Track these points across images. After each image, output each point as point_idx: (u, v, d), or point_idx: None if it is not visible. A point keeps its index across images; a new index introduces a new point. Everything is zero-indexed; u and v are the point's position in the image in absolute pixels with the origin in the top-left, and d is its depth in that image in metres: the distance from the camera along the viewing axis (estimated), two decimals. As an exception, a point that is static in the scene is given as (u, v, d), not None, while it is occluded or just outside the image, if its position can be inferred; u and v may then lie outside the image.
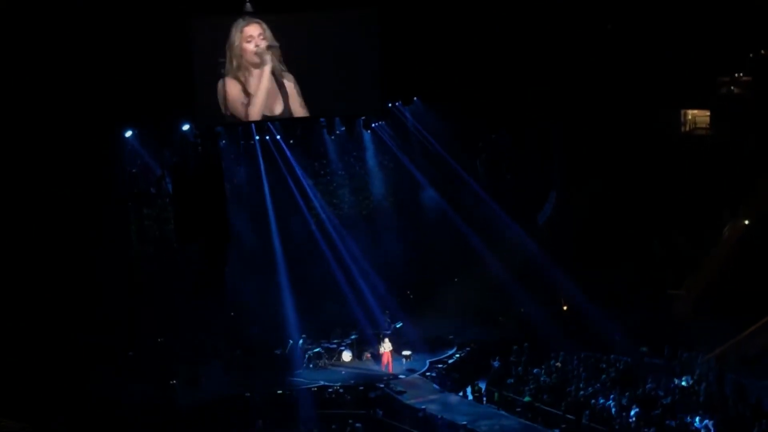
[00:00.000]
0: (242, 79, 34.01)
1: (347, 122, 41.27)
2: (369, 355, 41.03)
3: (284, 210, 42.80)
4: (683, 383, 34.75)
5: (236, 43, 33.69)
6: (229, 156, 40.50)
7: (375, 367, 39.82)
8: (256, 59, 33.94)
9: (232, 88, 33.96)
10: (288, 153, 42.34)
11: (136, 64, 32.53)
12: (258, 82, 34.27)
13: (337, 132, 42.37)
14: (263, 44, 33.81)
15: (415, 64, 37.78)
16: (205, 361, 38.97)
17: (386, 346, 39.60)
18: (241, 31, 33.65)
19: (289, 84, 34.49)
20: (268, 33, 33.87)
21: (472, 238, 44.47)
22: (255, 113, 34.50)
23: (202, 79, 33.75)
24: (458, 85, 40.11)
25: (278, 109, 34.76)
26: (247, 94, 34.15)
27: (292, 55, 34.53)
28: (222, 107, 33.89)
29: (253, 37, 33.79)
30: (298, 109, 34.85)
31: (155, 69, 32.71)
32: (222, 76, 33.63)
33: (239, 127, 38.55)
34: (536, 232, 44.09)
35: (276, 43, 33.90)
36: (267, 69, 34.08)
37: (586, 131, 42.72)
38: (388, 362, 39.41)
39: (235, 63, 33.82)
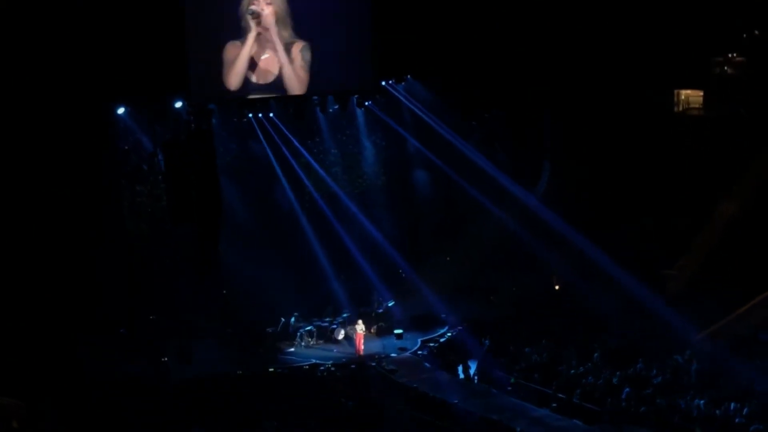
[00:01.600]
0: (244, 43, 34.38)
1: (340, 100, 41.15)
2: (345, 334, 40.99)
3: (278, 188, 42.75)
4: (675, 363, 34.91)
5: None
6: (222, 133, 40.38)
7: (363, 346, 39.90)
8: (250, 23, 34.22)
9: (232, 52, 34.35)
10: (282, 130, 42.27)
11: (129, 40, 32.42)
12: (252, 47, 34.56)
13: (330, 110, 42.30)
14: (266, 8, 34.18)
15: (407, 41, 37.71)
16: (197, 339, 38.96)
17: (359, 328, 39.59)
18: None
19: (285, 58, 34.66)
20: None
21: (464, 217, 44.51)
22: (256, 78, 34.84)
23: (196, 55, 33.70)
24: (451, 64, 40.07)
25: (271, 77, 34.99)
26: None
27: (284, 33, 34.57)
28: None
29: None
30: (294, 85, 35.11)
31: (148, 46, 32.61)
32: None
33: (232, 104, 38.46)
34: (529, 211, 44.02)
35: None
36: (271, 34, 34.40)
37: (579, 112, 42.69)
38: (359, 344, 39.38)
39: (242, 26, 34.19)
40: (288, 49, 35.22)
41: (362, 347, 39.21)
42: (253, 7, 34.20)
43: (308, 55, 35.50)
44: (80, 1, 31.76)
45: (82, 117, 34.15)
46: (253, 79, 35.19)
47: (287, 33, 35.09)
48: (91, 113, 34.62)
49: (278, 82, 35.54)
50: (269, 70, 35.29)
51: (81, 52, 32.36)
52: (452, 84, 41.88)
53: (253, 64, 34.99)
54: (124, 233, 38.69)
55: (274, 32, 34.86)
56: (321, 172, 43.91)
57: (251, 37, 34.54)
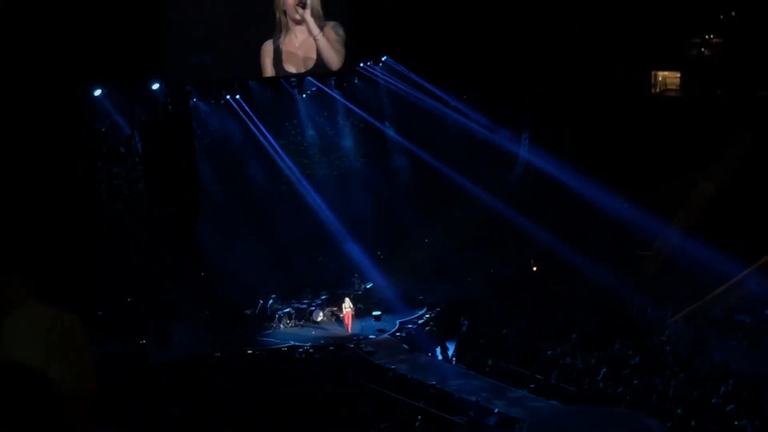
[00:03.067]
0: (282, 35, 34.26)
1: (318, 82, 41.20)
2: (324, 315, 41.05)
3: (256, 170, 42.70)
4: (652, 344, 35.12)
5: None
6: (199, 115, 40.29)
7: (339, 328, 39.98)
8: (296, 15, 34.12)
9: (269, 47, 34.34)
10: (260, 111, 42.24)
11: (107, 21, 32.22)
12: (296, 36, 34.50)
13: (308, 92, 42.31)
14: None
15: (384, 22, 37.67)
16: (175, 321, 38.94)
17: (347, 306, 39.67)
18: None
19: (322, 38, 34.72)
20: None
21: (442, 198, 44.54)
22: (290, 68, 34.90)
23: (174, 38, 33.58)
24: (429, 45, 40.00)
25: (310, 63, 35.05)
26: (280, 50, 34.44)
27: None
28: (267, 67, 34.26)
29: None
30: (333, 61, 35.21)
31: (126, 27, 32.43)
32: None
33: (210, 85, 38.44)
34: (507, 192, 44.06)
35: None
36: (307, 22, 34.43)
37: (557, 93, 42.73)
38: (348, 323, 39.49)
39: (279, 19, 34.13)
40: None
41: (350, 325, 39.34)
42: None
43: (341, 31, 35.73)
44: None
45: (58, 98, 33.95)
46: (289, 67, 35.35)
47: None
48: (67, 94, 34.43)
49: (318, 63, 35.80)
50: (308, 55, 35.48)
51: (57, 32, 32.13)
52: (430, 65, 41.85)
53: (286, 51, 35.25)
54: (102, 216, 38.56)
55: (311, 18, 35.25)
56: (299, 154, 43.90)
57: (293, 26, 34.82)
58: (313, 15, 35.28)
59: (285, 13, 34.91)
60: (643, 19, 41.21)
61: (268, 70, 35.27)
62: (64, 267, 34.66)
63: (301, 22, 35.18)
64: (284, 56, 35.13)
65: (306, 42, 35.41)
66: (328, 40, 35.62)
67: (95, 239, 37.14)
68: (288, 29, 35.04)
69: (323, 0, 35.27)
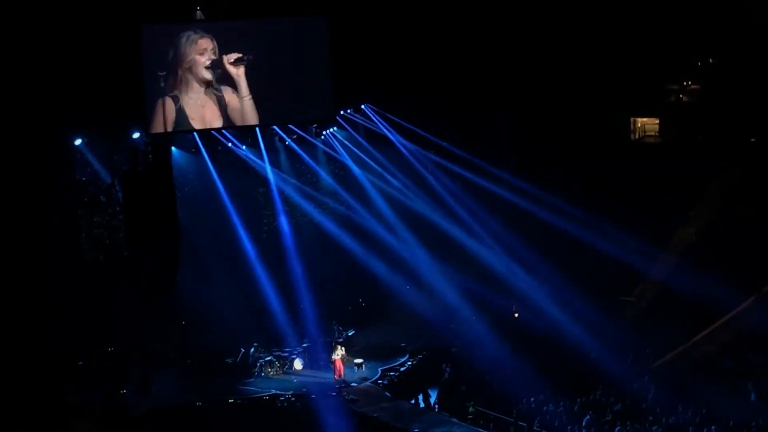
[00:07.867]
0: (181, 94, 33.74)
1: (298, 131, 41.28)
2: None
3: (239, 218, 42.65)
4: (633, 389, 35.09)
5: (188, 56, 33.47)
6: (180, 163, 40.27)
7: (329, 375, 39.91)
8: (207, 74, 33.70)
9: (171, 105, 33.76)
10: (240, 161, 42.30)
11: (86, 70, 32.25)
12: (199, 96, 34.02)
13: (287, 141, 42.41)
14: (213, 58, 33.56)
15: (364, 68, 37.74)
16: (156, 369, 38.77)
17: (339, 353, 39.61)
18: (195, 43, 33.41)
19: (231, 96, 34.23)
20: (216, 48, 33.61)
21: (424, 245, 44.55)
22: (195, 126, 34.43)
23: (153, 86, 33.56)
24: (409, 93, 40.13)
25: (217, 122, 34.53)
26: (183, 110, 33.93)
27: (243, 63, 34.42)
28: (161, 124, 33.62)
29: (206, 50, 33.56)
30: (244, 119, 34.61)
31: (105, 76, 32.45)
32: (163, 93, 33.34)
33: (190, 135, 38.42)
34: (488, 239, 44.10)
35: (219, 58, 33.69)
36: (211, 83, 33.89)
37: (536, 141, 42.93)
38: (339, 369, 39.42)
39: (180, 76, 33.56)
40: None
41: (342, 371, 39.30)
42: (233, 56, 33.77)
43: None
44: (37, 30, 31.55)
45: (37, 147, 33.88)
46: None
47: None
48: (47, 143, 34.36)
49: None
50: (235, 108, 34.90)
51: (36, 81, 32.14)
52: (408, 113, 42.01)
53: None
54: (83, 264, 38.46)
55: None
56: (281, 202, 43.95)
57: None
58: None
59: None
60: (621, 67, 41.50)
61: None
62: (41, 316, 34.59)
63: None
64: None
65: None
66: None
67: (75, 288, 37.01)
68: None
69: (301, 45, 35.09)
